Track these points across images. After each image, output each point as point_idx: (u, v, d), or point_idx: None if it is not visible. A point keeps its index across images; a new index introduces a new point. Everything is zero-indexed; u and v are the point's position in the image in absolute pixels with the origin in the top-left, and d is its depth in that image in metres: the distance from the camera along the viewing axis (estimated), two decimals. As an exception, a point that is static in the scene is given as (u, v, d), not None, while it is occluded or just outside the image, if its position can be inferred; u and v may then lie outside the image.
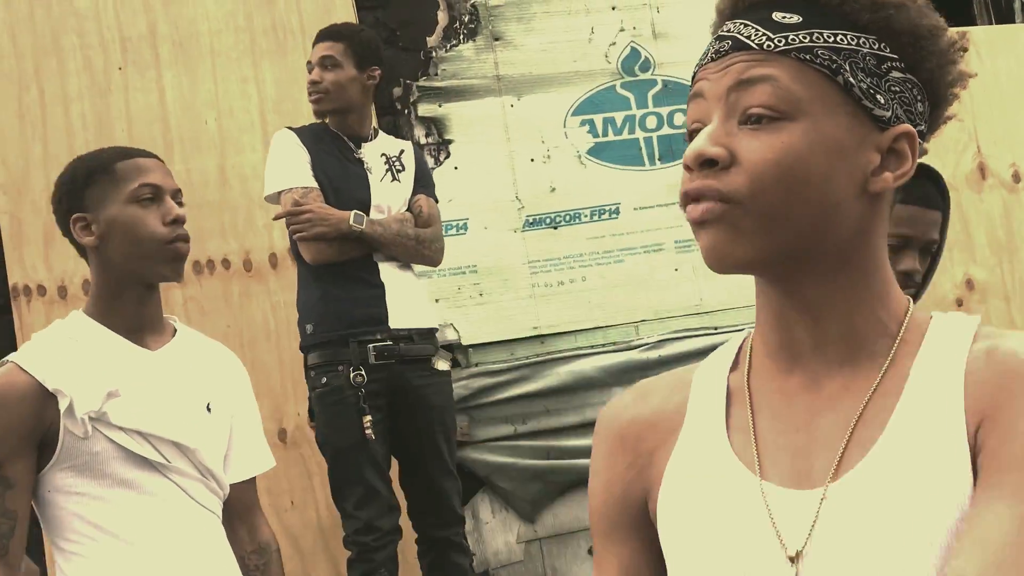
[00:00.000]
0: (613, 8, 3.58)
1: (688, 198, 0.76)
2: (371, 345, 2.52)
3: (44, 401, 1.56)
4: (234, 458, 1.75)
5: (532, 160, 3.45)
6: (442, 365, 2.73)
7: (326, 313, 2.58)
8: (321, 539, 3.12)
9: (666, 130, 3.57)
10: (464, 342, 3.27)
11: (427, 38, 3.44)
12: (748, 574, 0.74)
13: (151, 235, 1.62)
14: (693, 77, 0.80)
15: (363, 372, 2.50)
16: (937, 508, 0.69)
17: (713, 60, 0.77)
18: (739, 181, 0.74)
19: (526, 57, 3.49)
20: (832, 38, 0.76)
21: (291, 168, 2.65)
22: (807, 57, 0.75)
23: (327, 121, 2.74)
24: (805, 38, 0.75)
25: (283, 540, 3.13)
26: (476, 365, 3.27)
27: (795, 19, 0.76)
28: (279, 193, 2.66)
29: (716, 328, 3.49)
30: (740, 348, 0.86)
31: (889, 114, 0.76)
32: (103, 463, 1.59)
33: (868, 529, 0.71)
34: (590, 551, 3.32)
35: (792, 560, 0.72)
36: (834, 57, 0.75)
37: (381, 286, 2.59)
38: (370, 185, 2.67)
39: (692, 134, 0.78)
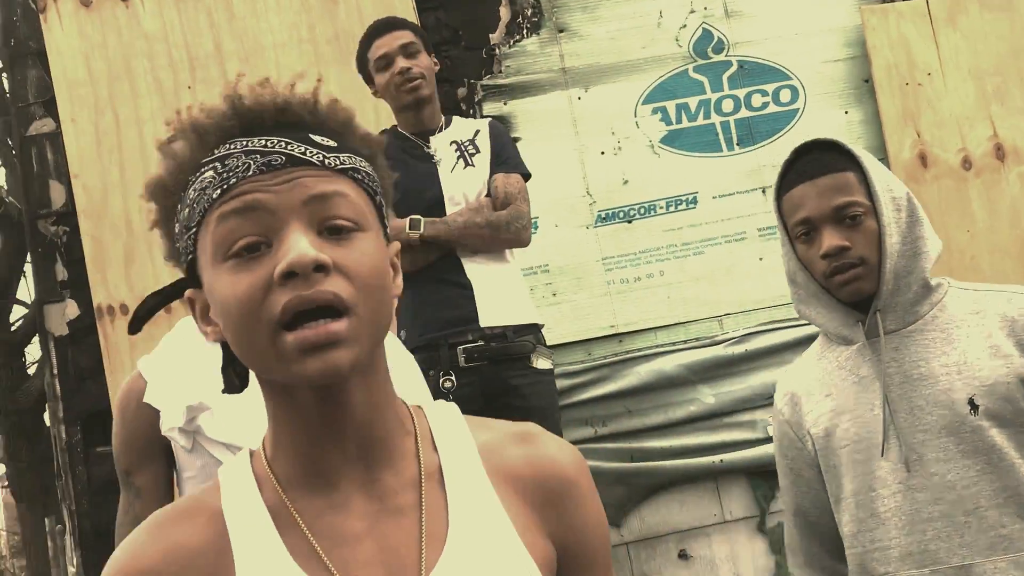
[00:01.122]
0: (682, -11, 3.44)
1: (301, 306, 0.74)
2: (460, 347, 2.45)
3: (157, 410, 1.52)
4: None
5: (602, 153, 3.34)
6: (543, 363, 2.56)
7: (415, 318, 2.53)
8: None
9: (744, 113, 3.40)
10: (539, 344, 3.20)
11: (490, 35, 3.37)
12: None
13: None
14: (221, 189, 0.78)
15: (453, 377, 2.43)
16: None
17: (263, 172, 0.77)
18: (349, 287, 0.76)
19: (592, 47, 3.38)
20: (362, 163, 0.83)
21: None
22: (358, 177, 0.82)
23: (393, 125, 2.69)
24: (350, 160, 0.81)
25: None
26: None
27: (332, 143, 0.81)
28: None
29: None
30: (253, 468, 0.84)
31: (387, 231, 0.86)
32: (209, 478, 1.51)
33: None
34: (680, 555, 3.21)
35: None
36: (370, 180, 0.83)
37: (468, 285, 2.50)
38: (440, 179, 2.58)
39: (250, 250, 0.77)
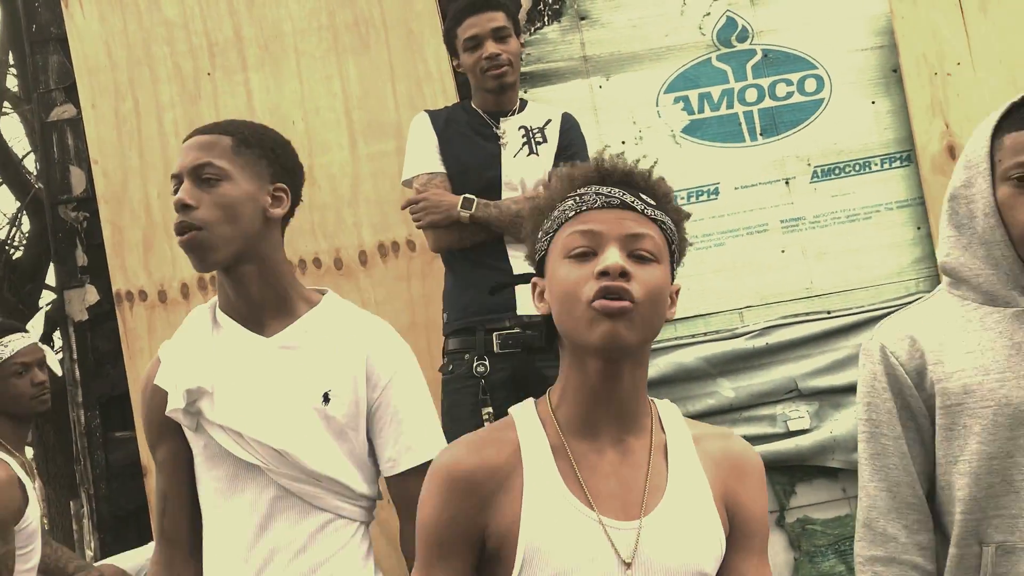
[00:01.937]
0: (706, -24, 3.38)
1: (609, 296, 1.13)
2: (496, 333, 2.46)
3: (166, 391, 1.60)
4: (387, 448, 1.59)
5: (623, 142, 3.29)
6: None
7: (456, 301, 2.55)
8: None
9: (768, 102, 3.34)
10: (557, 335, 3.17)
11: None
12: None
13: None
14: (575, 212, 1.20)
15: (486, 362, 2.45)
16: (711, 533, 1.20)
17: (604, 208, 1.18)
18: (640, 291, 1.14)
19: (614, 35, 3.33)
20: (666, 219, 1.21)
21: (418, 154, 2.62)
22: (664, 228, 1.21)
23: (469, 98, 2.69)
24: (661, 216, 1.21)
25: (384, 540, 3.13)
26: (571, 358, 3.16)
27: (653, 202, 1.21)
28: (411, 179, 2.63)
29: (829, 312, 3.25)
30: (538, 412, 1.25)
31: (674, 272, 1.25)
32: (211, 460, 1.56)
33: (673, 546, 1.17)
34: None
35: (627, 565, 1.15)
36: (673, 232, 1.22)
37: (509, 271, 2.50)
38: (502, 162, 2.57)
39: (583, 255, 1.17)
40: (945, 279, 1.53)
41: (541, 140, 2.63)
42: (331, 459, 1.55)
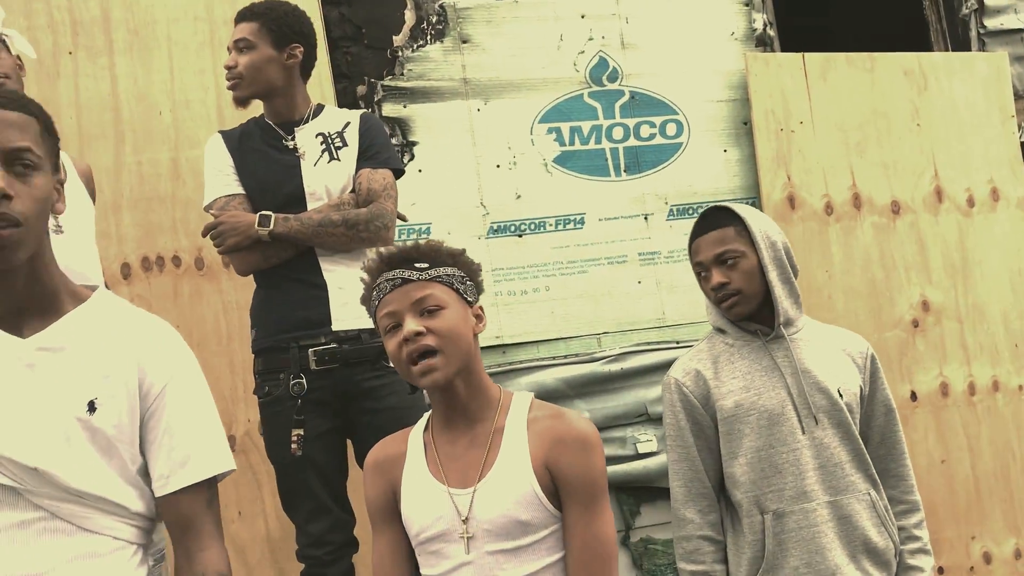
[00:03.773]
0: (583, 16, 3.55)
1: (414, 354, 1.59)
2: (312, 350, 2.34)
3: None
4: (157, 464, 1.42)
5: (498, 166, 3.38)
6: None
7: (267, 318, 2.42)
8: (269, 551, 2.99)
9: (632, 142, 3.54)
10: (424, 350, 3.18)
11: (393, 37, 3.36)
12: (444, 532, 1.59)
13: None
14: (378, 300, 1.65)
15: (303, 380, 2.33)
16: (525, 490, 1.58)
17: (396, 288, 1.61)
18: (437, 340, 1.58)
19: (494, 61, 3.42)
20: (446, 271, 1.64)
21: (214, 178, 2.49)
22: (443, 279, 1.63)
23: (262, 113, 2.56)
24: (436, 272, 1.62)
25: (231, 552, 2.99)
26: (435, 374, 3.19)
27: (425, 264, 1.62)
28: (211, 205, 2.49)
29: (678, 342, 3.45)
30: (427, 420, 1.71)
31: (473, 300, 1.68)
32: None
33: (496, 502, 1.57)
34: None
35: (464, 521, 1.58)
36: (450, 279, 1.63)
37: (323, 286, 2.39)
38: (302, 173, 2.45)
39: (394, 329, 1.61)
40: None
41: (341, 144, 2.50)
42: (97, 475, 1.37)
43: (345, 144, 2.50)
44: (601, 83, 3.53)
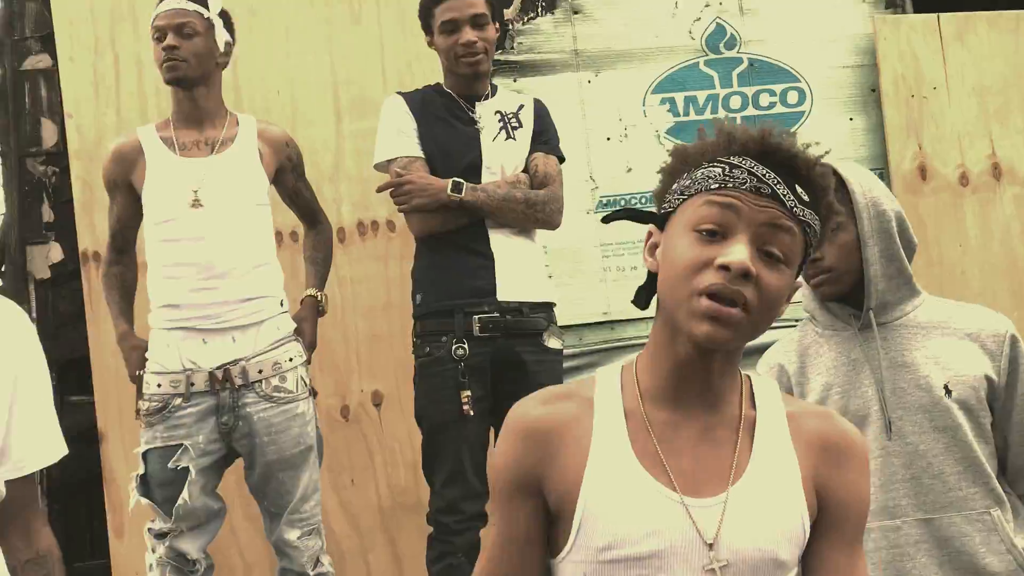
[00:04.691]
0: (699, -18, 3.43)
1: (722, 298, 1.02)
2: (476, 316, 2.42)
3: None
4: (16, 444, 1.35)
5: (608, 139, 3.32)
6: (554, 343, 2.54)
7: (434, 283, 2.50)
8: (380, 519, 3.07)
9: (751, 111, 3.41)
10: (532, 325, 3.18)
11: (504, 11, 3.34)
12: (668, 553, 1.06)
13: None
14: (720, 185, 1.06)
15: (465, 345, 2.41)
16: (791, 518, 1.09)
17: (750, 191, 1.05)
18: (757, 298, 1.03)
19: (606, 31, 3.35)
20: (815, 220, 1.09)
21: (395, 137, 2.57)
22: (808, 231, 1.08)
23: (438, 82, 2.65)
24: (810, 216, 1.08)
25: (342, 518, 3.10)
26: (543, 349, 3.18)
27: (807, 198, 1.08)
28: (387, 163, 2.57)
29: (797, 320, 3.32)
30: (621, 376, 1.16)
31: (804, 265, 1.13)
32: None
33: (747, 528, 1.07)
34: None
35: (710, 546, 1.05)
36: (815, 234, 1.10)
37: (490, 256, 2.47)
38: (481, 146, 2.55)
39: (711, 234, 1.05)
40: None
41: (517, 125, 2.61)
42: None
43: (520, 125, 2.61)
44: (718, 51, 3.41)
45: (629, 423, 1.11)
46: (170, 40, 2.41)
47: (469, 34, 2.51)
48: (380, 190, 2.57)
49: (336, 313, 3.09)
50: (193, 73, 2.43)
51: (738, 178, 1.05)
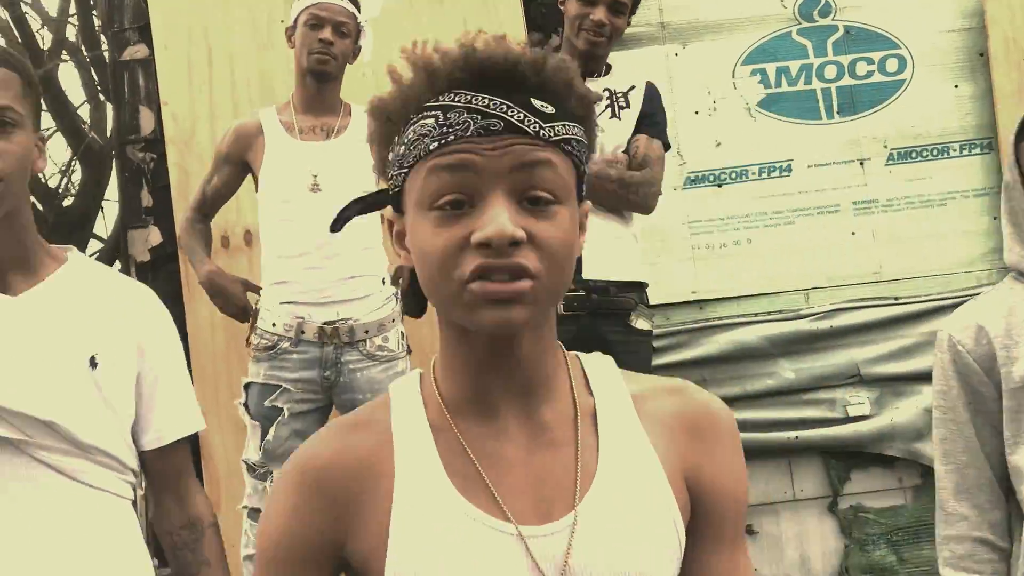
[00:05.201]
0: (791, -53, 3.30)
1: (497, 276, 0.79)
2: None
3: None
4: (152, 418, 1.45)
5: (696, 112, 3.23)
6: (642, 324, 2.51)
7: None
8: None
9: (847, 80, 3.26)
10: (618, 304, 3.13)
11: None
12: None
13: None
14: (439, 142, 0.81)
15: None
16: (659, 525, 0.86)
17: (480, 135, 0.80)
18: (539, 259, 0.80)
19: (693, 3, 3.26)
20: (575, 131, 0.84)
21: None
22: (568, 148, 0.84)
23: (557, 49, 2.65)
24: (564, 129, 0.83)
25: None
26: (630, 329, 3.12)
27: (551, 109, 0.82)
28: None
29: (897, 298, 3.18)
30: (421, 388, 0.91)
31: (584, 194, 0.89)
32: None
33: (606, 549, 0.83)
34: (746, 530, 3.12)
35: None
36: (579, 149, 0.85)
37: None
38: None
39: (454, 206, 0.80)
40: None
41: (624, 105, 2.59)
42: (103, 429, 1.37)
43: (627, 105, 2.60)
44: (812, 19, 3.28)
45: (439, 445, 0.86)
46: (327, 34, 2.50)
47: (603, 14, 2.50)
48: None
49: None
50: (337, 71, 2.56)
51: (458, 123, 0.80)
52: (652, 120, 2.59)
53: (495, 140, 0.80)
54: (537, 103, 0.82)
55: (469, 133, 0.80)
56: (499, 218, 0.78)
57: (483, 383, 0.87)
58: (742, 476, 0.92)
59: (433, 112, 0.82)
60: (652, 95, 2.64)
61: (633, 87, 2.63)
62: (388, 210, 0.90)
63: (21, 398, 1.31)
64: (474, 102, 0.81)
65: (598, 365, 0.95)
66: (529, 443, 0.87)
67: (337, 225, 0.98)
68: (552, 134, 0.82)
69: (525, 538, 0.82)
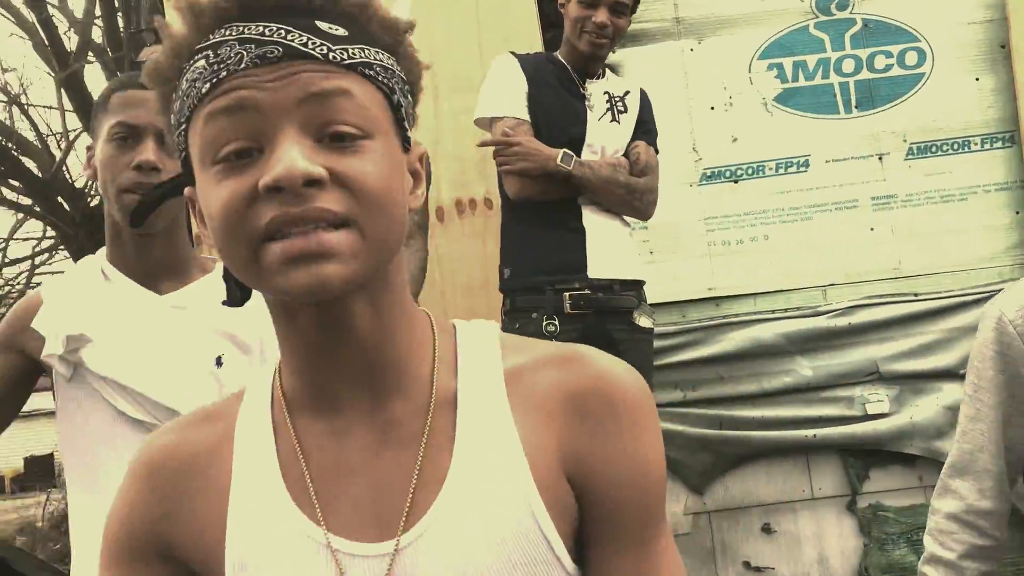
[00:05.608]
0: (809, -60, 3.26)
1: (296, 228, 0.66)
2: (567, 293, 2.40)
3: (29, 330, 1.52)
4: None
5: (712, 108, 3.21)
6: (644, 321, 2.51)
7: (524, 258, 2.49)
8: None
9: (865, 74, 3.22)
10: (633, 301, 3.12)
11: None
12: None
13: (112, 178, 1.46)
14: (211, 83, 0.69)
15: (556, 322, 2.39)
16: (523, 528, 0.71)
17: (257, 66, 0.68)
18: (349, 201, 0.68)
19: (709, -3, 3.24)
20: (378, 56, 0.72)
21: (505, 96, 2.53)
22: (370, 73, 0.71)
23: (557, 52, 2.62)
24: (362, 53, 0.71)
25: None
26: (645, 326, 3.11)
27: (342, 32, 0.71)
28: (491, 119, 2.54)
29: (916, 295, 3.14)
30: (272, 382, 0.80)
31: (410, 136, 0.76)
32: (87, 412, 1.50)
33: (457, 568, 0.70)
34: (764, 528, 3.11)
35: None
36: (386, 76, 0.73)
37: (582, 231, 2.45)
38: (587, 123, 2.52)
39: (239, 156, 0.68)
40: None
41: (623, 109, 2.58)
42: None
43: (626, 110, 2.59)
44: (829, 12, 3.24)
45: (280, 445, 0.77)
46: None
47: (604, 16, 2.48)
48: (483, 144, 2.55)
49: (435, 291, 3.11)
50: None
51: (229, 58, 0.68)
52: (647, 127, 2.60)
53: (275, 70, 0.68)
54: (324, 25, 0.70)
55: (243, 66, 0.68)
56: (288, 155, 0.66)
57: (318, 370, 0.75)
58: (650, 461, 0.75)
59: (203, 53, 0.69)
60: (646, 101, 2.65)
61: (628, 91, 2.62)
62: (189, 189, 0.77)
63: (155, 386, 1.45)
64: (247, 32, 0.68)
65: (473, 337, 0.79)
66: (375, 443, 0.74)
67: (137, 219, 0.90)
68: (344, 56, 0.70)
69: (340, 558, 0.71)
